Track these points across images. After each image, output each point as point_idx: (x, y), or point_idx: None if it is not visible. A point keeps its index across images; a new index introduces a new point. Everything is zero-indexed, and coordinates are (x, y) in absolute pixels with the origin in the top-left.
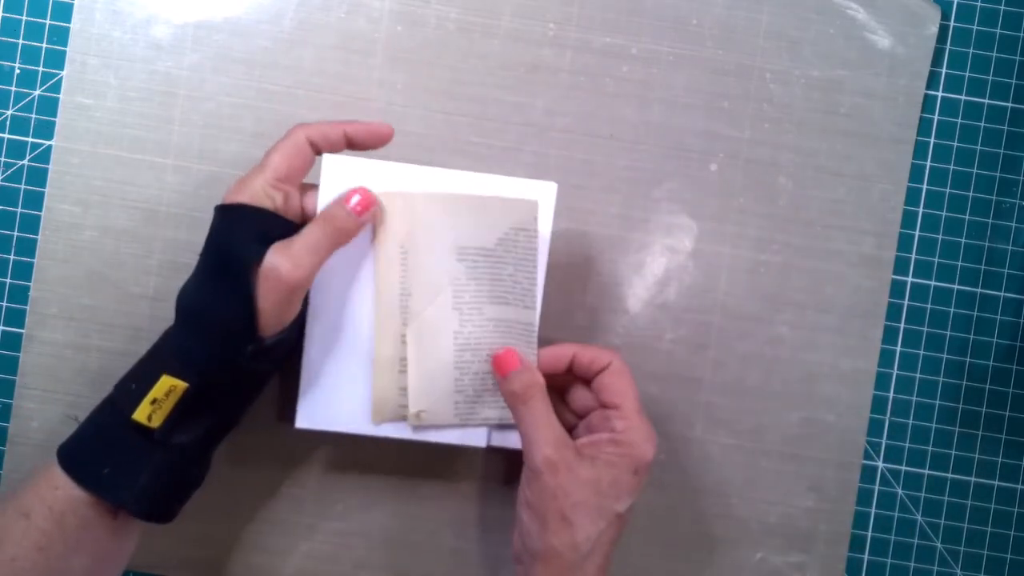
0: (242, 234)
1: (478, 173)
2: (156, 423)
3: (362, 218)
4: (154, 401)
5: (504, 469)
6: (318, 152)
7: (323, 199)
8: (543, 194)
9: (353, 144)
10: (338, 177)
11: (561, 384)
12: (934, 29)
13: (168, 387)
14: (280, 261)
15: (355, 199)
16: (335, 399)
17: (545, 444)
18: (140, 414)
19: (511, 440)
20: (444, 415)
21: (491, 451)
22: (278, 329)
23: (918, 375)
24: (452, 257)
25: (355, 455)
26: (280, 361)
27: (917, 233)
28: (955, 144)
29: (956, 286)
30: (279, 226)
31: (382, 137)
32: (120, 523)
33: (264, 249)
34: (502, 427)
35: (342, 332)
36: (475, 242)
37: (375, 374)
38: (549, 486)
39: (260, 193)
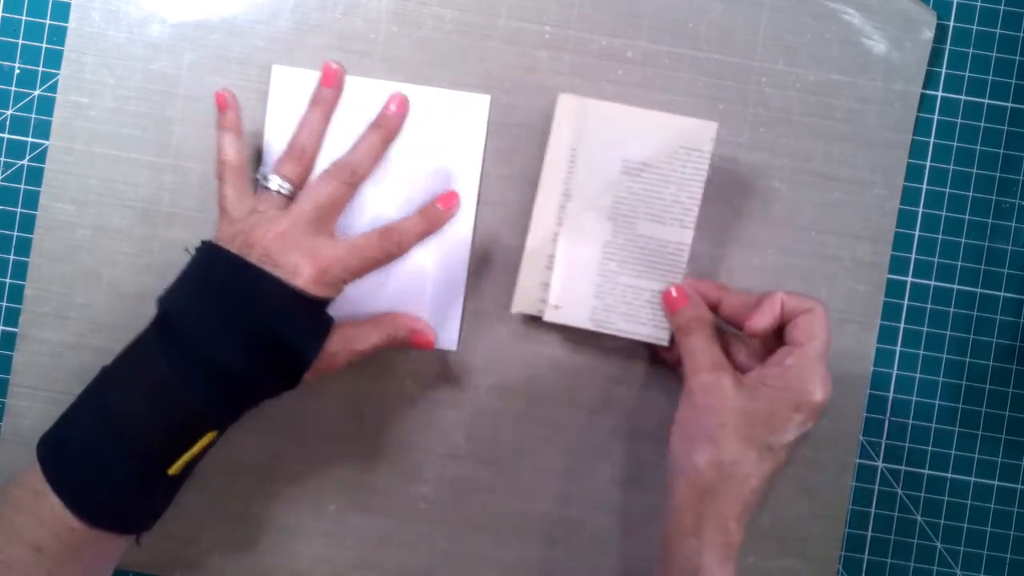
0: (313, 323)
1: (429, 87)
2: (177, 469)
3: (408, 342)
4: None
5: (495, 473)
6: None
7: (272, 108)
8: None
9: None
10: (286, 88)
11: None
12: (929, 34)
13: (206, 442)
14: (341, 349)
15: (416, 328)
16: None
17: (701, 368)
18: (175, 468)
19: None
20: (579, 316)
21: (487, 456)
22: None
23: (918, 375)
24: (617, 168)
25: (348, 456)
26: None
27: (917, 233)
28: (955, 144)
29: (956, 286)
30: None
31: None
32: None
33: (325, 332)
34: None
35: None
36: (643, 157)
37: (523, 265)
38: (699, 405)
39: (338, 285)
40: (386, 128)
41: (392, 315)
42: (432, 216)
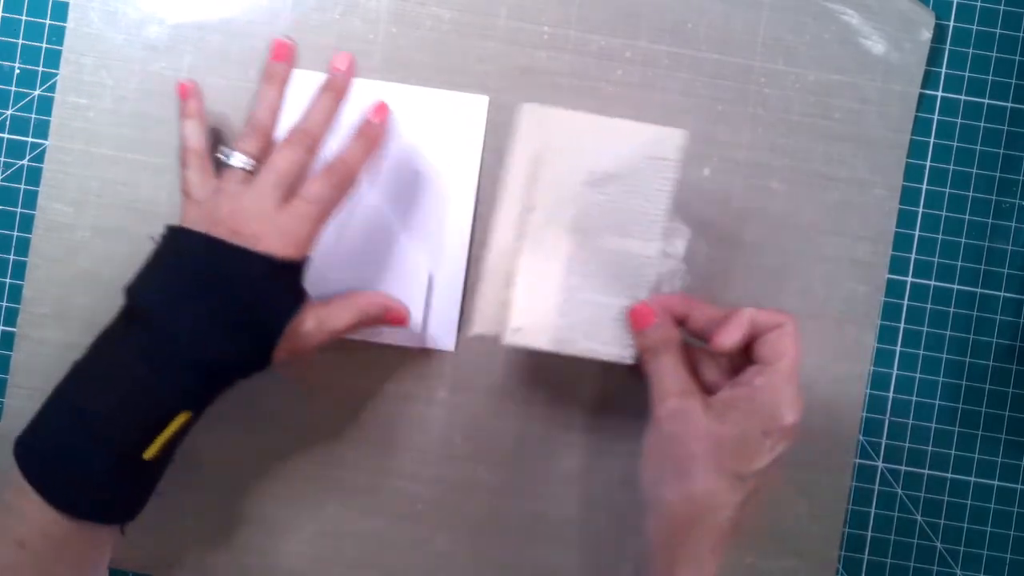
0: (282, 294)
1: (428, 87)
2: (153, 453)
3: (381, 319)
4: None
5: (493, 474)
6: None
7: None
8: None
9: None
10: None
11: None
12: (928, 35)
13: (180, 424)
14: (314, 328)
15: (388, 305)
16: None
17: (669, 393)
18: (150, 452)
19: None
20: (542, 338)
21: (486, 457)
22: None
23: (918, 375)
24: (581, 179)
25: (345, 456)
26: None
27: (917, 233)
28: (955, 144)
29: (956, 286)
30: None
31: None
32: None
33: (296, 305)
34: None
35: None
36: (608, 168)
37: (482, 283)
38: (668, 434)
39: (310, 244)
40: (336, 89)
41: (363, 292)
42: (369, 134)
